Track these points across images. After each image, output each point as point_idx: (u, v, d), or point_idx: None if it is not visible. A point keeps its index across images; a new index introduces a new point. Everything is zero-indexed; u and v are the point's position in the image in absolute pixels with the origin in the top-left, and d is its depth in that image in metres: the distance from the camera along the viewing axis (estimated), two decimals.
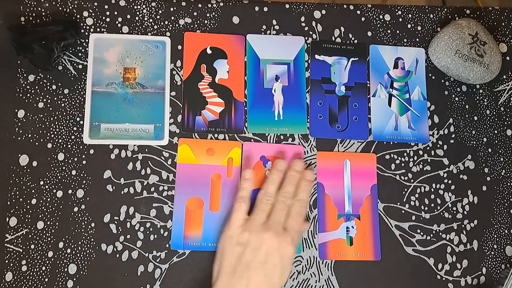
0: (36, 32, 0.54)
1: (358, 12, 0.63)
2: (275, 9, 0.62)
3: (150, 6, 0.59)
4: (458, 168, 0.60)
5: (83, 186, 0.54)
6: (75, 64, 0.57)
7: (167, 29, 0.59)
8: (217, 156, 0.57)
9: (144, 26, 0.59)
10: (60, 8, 0.58)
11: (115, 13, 0.59)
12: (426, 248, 0.58)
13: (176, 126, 0.57)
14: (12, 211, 0.53)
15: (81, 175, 0.55)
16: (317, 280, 0.55)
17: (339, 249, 0.56)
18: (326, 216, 0.57)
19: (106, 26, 0.58)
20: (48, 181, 0.54)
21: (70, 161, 0.55)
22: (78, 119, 0.56)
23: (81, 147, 0.55)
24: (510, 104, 0.63)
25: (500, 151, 0.61)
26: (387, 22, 0.63)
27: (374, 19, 0.63)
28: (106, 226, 0.54)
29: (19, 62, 0.56)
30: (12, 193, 0.53)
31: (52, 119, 0.55)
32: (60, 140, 0.55)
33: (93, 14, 0.58)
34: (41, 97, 0.56)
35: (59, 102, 0.56)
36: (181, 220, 0.55)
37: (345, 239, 0.56)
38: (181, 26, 0.60)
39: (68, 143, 0.55)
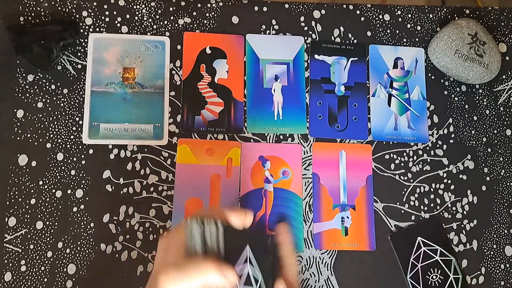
0: (35, 32, 0.54)
1: (358, 12, 0.63)
2: (275, 9, 0.62)
3: (149, 6, 0.59)
4: (457, 168, 0.60)
5: (82, 186, 0.54)
6: (74, 64, 0.57)
7: (166, 29, 0.59)
8: (217, 156, 0.57)
9: (143, 26, 0.59)
10: (59, 8, 0.58)
11: (114, 13, 0.59)
12: None
13: (175, 126, 0.57)
14: (11, 211, 0.53)
15: (80, 175, 0.55)
16: (316, 280, 0.55)
17: (334, 239, 0.56)
18: (321, 207, 0.57)
19: (105, 26, 0.58)
20: (47, 181, 0.54)
21: (69, 161, 0.55)
22: (77, 119, 0.56)
23: (80, 147, 0.55)
24: (510, 104, 0.63)
25: (499, 151, 0.61)
26: (387, 22, 0.63)
27: (374, 19, 0.63)
28: (106, 226, 0.54)
29: (18, 62, 0.56)
30: (11, 193, 0.53)
31: (51, 119, 0.55)
32: (59, 140, 0.55)
33: (92, 14, 0.58)
34: (40, 97, 0.56)
35: (58, 102, 0.56)
36: (180, 220, 0.55)
37: (340, 229, 0.57)
38: (180, 26, 0.60)
39: (67, 143, 0.55)
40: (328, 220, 0.57)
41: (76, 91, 0.56)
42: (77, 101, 0.56)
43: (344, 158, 0.58)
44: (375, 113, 0.60)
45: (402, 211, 0.58)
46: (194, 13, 0.60)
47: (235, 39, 0.60)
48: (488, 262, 0.58)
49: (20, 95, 0.55)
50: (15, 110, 0.55)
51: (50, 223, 0.53)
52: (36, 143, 0.55)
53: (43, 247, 0.53)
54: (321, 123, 0.59)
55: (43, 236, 0.53)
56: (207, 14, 0.60)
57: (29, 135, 0.55)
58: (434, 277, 0.55)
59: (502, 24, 0.66)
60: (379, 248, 0.57)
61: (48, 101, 0.56)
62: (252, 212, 0.41)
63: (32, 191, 0.53)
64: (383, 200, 0.58)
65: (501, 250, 0.59)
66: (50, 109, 0.56)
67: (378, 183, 0.58)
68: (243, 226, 0.40)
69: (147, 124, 0.56)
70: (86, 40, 0.58)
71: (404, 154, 0.60)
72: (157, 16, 0.59)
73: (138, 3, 0.59)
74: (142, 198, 0.55)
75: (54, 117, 0.55)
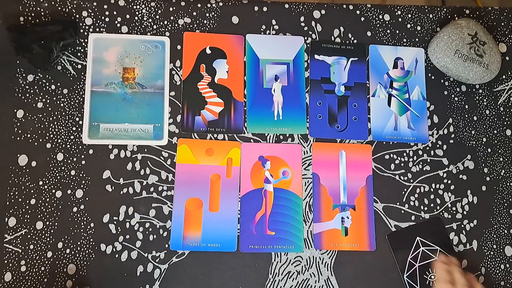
0: (35, 32, 0.54)
1: (358, 12, 0.63)
2: (275, 9, 0.62)
3: (149, 6, 0.59)
4: (457, 168, 0.60)
5: (82, 186, 0.54)
6: (74, 64, 0.57)
7: (166, 29, 0.59)
8: (217, 156, 0.57)
9: (143, 26, 0.59)
10: (59, 8, 0.58)
11: (114, 13, 0.59)
12: None
13: (175, 126, 0.57)
14: (11, 211, 0.53)
15: (80, 175, 0.55)
16: (316, 280, 0.55)
17: (334, 239, 0.56)
18: (321, 207, 0.57)
19: (105, 26, 0.58)
20: (47, 181, 0.54)
21: (69, 161, 0.55)
22: (77, 119, 0.56)
23: (80, 147, 0.55)
24: (510, 104, 0.63)
25: (499, 151, 0.61)
26: (387, 22, 0.63)
27: (374, 19, 0.63)
28: (105, 226, 0.54)
29: (18, 62, 0.56)
30: (11, 193, 0.53)
31: (51, 119, 0.55)
32: (59, 140, 0.55)
33: (92, 14, 0.58)
34: (40, 97, 0.56)
35: (58, 102, 0.56)
36: (180, 220, 0.55)
37: (340, 229, 0.57)
38: (180, 26, 0.60)
39: (67, 143, 0.55)
40: (328, 220, 0.57)
41: (76, 91, 0.56)
42: (77, 101, 0.56)
43: (344, 158, 0.58)
44: (375, 113, 0.60)
45: (402, 211, 0.58)
46: (194, 13, 0.60)
47: (235, 39, 0.60)
48: (488, 262, 0.58)
49: (20, 95, 0.55)
50: (15, 110, 0.55)
51: (50, 223, 0.53)
52: (36, 143, 0.55)
53: (43, 247, 0.53)
54: (321, 123, 0.59)
55: (43, 236, 0.53)
56: (207, 14, 0.60)
57: (29, 135, 0.55)
58: (433, 277, 0.55)
59: (502, 24, 0.66)
60: (379, 248, 0.57)
61: (48, 101, 0.56)
62: None
63: (32, 191, 0.54)
64: (383, 200, 0.58)
65: (501, 250, 0.59)
66: (50, 109, 0.56)
67: (378, 183, 0.58)
68: None
69: (147, 124, 0.56)
70: (86, 40, 0.58)
71: (404, 154, 0.60)
72: (157, 16, 0.59)
73: (138, 3, 0.59)
74: (142, 198, 0.55)
75: (54, 117, 0.55)
